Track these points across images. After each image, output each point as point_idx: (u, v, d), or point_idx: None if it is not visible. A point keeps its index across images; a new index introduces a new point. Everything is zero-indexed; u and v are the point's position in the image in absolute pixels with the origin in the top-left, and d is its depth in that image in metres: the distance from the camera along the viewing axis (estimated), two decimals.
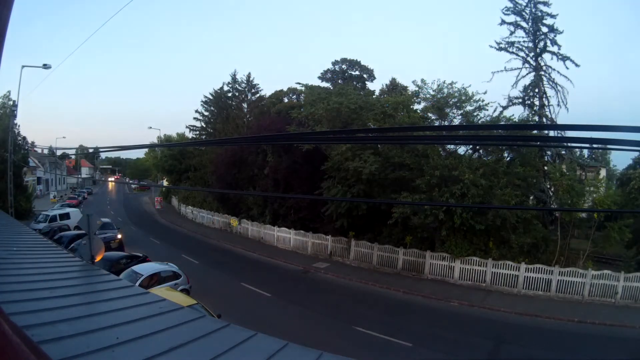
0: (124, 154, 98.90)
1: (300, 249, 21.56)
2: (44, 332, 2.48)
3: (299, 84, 27.87)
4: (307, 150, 19.93)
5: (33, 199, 30.47)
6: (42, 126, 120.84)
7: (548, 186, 18.50)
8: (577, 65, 19.61)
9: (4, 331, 1.04)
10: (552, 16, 19.61)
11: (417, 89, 19.97)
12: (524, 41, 20.49)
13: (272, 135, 16.98)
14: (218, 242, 24.16)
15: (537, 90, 20.56)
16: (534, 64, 20.47)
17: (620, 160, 38.48)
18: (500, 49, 20.82)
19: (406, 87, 29.14)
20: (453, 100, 18.26)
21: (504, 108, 20.36)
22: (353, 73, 35.47)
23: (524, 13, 20.31)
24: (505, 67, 20.86)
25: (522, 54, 20.61)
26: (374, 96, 26.68)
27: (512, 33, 20.57)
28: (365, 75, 35.73)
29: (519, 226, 15.99)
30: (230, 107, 36.67)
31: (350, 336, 10.78)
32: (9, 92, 25.22)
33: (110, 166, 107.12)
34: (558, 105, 20.18)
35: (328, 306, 13.42)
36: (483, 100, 17.99)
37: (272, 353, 2.66)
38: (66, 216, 23.56)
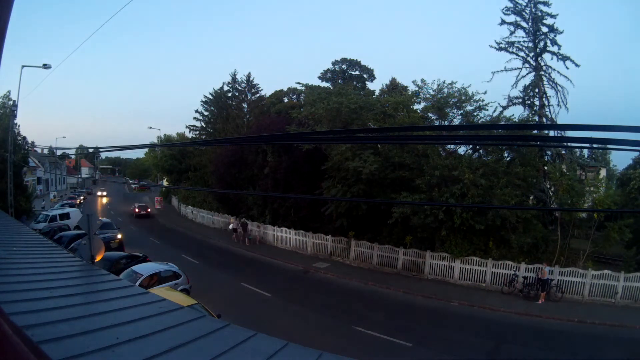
0: (124, 154, 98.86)
1: (300, 249, 21.56)
2: (44, 332, 2.47)
3: (299, 83, 27.93)
4: (307, 150, 19.93)
5: (33, 199, 30.47)
6: (42, 126, 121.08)
7: (548, 186, 18.50)
8: (577, 65, 19.63)
9: (4, 331, 1.04)
10: (552, 16, 19.61)
11: (417, 89, 20.02)
12: (524, 41, 20.49)
13: (272, 135, 16.99)
14: (218, 242, 24.15)
15: (537, 90, 20.55)
16: (534, 64, 20.46)
17: (620, 160, 38.56)
18: (500, 49, 20.83)
19: (406, 87, 29.12)
20: (453, 100, 18.27)
21: (504, 108, 20.35)
22: (353, 73, 35.49)
23: (524, 13, 20.30)
24: (505, 67, 20.87)
25: (522, 54, 20.61)
26: (374, 96, 26.66)
27: (512, 33, 20.58)
28: (365, 75, 35.74)
29: (519, 226, 15.98)
30: (230, 107, 36.66)
31: (350, 336, 10.77)
32: (9, 92, 25.34)
33: (110, 166, 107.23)
34: (558, 105, 20.19)
35: (328, 306, 13.41)
36: (483, 100, 18.02)
37: (272, 353, 2.65)
38: (66, 216, 23.56)
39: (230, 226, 25.45)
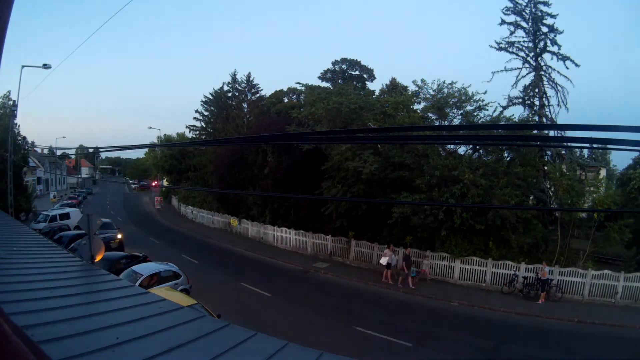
0: (124, 154, 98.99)
1: (300, 249, 21.55)
2: (44, 332, 2.48)
3: (299, 83, 27.86)
4: (307, 150, 19.94)
5: (33, 199, 30.44)
6: (42, 126, 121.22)
7: (548, 186, 18.50)
8: (577, 65, 19.62)
9: (4, 331, 1.03)
10: (552, 16, 19.61)
11: (417, 89, 20.02)
12: (524, 41, 20.49)
13: (272, 135, 16.98)
14: (218, 242, 24.15)
15: (537, 90, 20.55)
16: (534, 64, 20.46)
17: (620, 160, 38.55)
18: (500, 49, 20.82)
19: (406, 87, 29.10)
20: (453, 100, 18.27)
21: (504, 108, 20.34)
22: (353, 73, 35.50)
23: (524, 13, 20.30)
24: (505, 67, 20.86)
25: (522, 54, 20.61)
26: (374, 96, 26.67)
27: (512, 33, 20.57)
28: (365, 75, 35.75)
29: (519, 226, 15.98)
30: (230, 107, 36.67)
31: (350, 336, 10.77)
32: (9, 92, 25.33)
33: (110, 166, 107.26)
34: (558, 105, 20.19)
35: (328, 306, 13.41)
36: (483, 100, 18.02)
37: (272, 353, 2.66)
38: (66, 216, 23.56)
39: (383, 260, 16.31)
